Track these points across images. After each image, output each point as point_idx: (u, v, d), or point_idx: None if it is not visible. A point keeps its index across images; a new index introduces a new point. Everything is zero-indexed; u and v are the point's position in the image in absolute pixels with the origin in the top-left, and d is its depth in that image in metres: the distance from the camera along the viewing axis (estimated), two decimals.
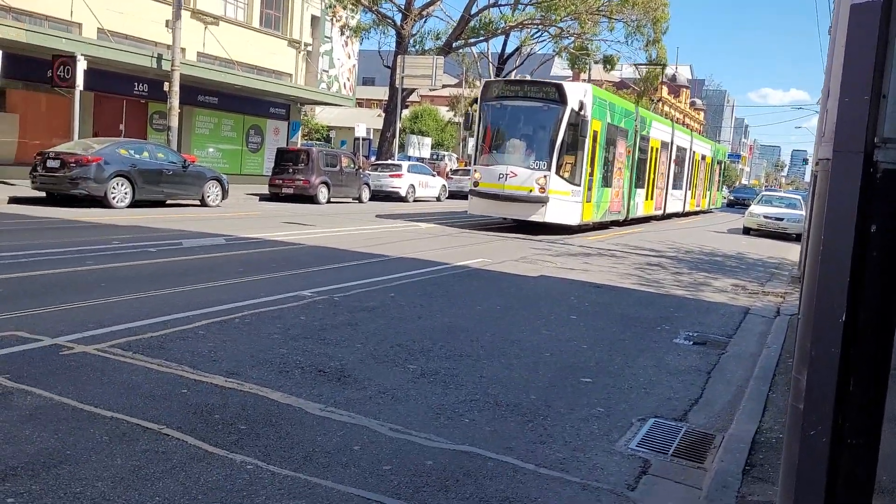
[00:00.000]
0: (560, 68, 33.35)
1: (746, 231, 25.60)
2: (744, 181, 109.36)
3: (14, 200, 16.59)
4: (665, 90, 69.98)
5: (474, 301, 8.92)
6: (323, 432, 4.37)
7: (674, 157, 28.57)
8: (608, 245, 17.23)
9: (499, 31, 34.02)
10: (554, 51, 38.79)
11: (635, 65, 45.46)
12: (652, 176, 25.68)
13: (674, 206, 30.06)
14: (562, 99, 17.58)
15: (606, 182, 20.41)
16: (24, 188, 17.80)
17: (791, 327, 8.73)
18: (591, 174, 18.90)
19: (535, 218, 17.73)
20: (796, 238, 24.39)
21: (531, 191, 17.35)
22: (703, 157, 35.28)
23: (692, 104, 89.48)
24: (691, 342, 7.76)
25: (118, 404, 4.52)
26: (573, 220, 18.36)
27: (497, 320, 7.94)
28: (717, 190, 42.61)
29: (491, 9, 34.55)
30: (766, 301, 10.98)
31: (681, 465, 4.44)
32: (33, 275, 8.34)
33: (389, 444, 4.28)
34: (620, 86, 57.84)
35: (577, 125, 17.63)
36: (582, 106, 17.65)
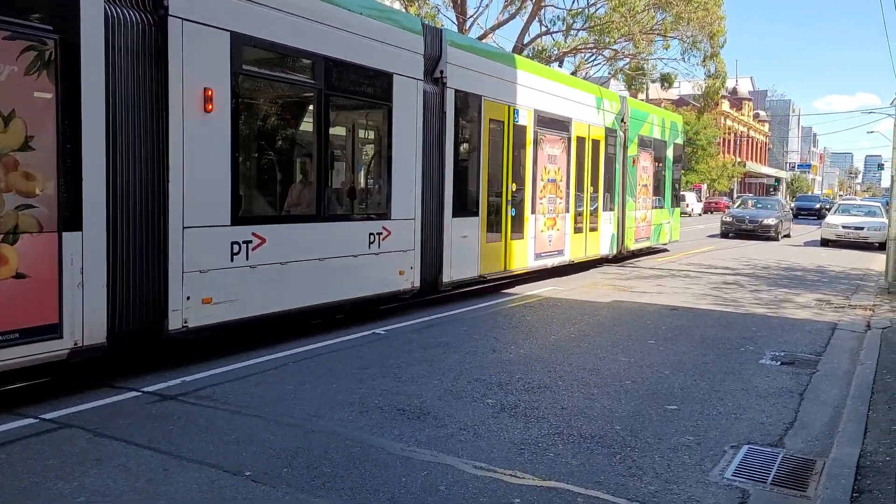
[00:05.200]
0: (617, 90, 33.16)
1: (824, 243, 24.67)
2: (816, 191, 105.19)
3: None
4: (727, 104, 68.55)
5: (548, 331, 8.79)
6: (407, 473, 4.32)
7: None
8: (680, 266, 16.81)
9: (552, 59, 33.91)
10: (609, 73, 38.47)
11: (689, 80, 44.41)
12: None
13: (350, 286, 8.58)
14: None
15: None
16: None
17: (885, 341, 8.31)
18: None
19: None
20: (879, 247, 23.38)
21: None
22: (565, 126, 13.62)
23: (755, 116, 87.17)
24: (779, 362, 7.44)
25: (205, 452, 4.58)
26: None
27: (573, 349, 7.80)
28: (667, 206, 19.80)
29: (543, 37, 34.59)
30: (854, 315, 10.48)
31: (782, 495, 4.22)
32: None
33: (475, 483, 4.21)
34: (680, 103, 56.83)
35: None
36: None
